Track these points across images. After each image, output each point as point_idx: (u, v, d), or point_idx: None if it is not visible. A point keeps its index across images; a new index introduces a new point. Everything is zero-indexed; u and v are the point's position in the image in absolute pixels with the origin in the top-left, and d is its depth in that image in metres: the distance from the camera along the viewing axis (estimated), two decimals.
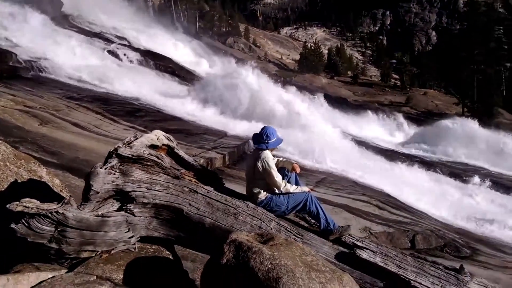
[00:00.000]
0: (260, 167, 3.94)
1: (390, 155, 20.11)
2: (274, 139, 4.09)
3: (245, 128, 14.97)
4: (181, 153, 4.22)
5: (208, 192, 3.82)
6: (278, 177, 3.99)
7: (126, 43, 28.70)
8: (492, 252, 10.27)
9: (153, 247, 3.91)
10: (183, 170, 4.09)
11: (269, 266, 2.52)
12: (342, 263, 3.56)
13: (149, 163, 3.84)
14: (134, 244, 3.74)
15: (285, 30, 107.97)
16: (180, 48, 36.70)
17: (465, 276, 3.43)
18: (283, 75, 51.85)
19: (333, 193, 11.76)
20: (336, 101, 35.39)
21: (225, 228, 3.61)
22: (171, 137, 4.24)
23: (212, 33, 61.27)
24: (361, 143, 21.04)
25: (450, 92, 47.97)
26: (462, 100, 40.83)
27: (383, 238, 9.46)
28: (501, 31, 44.51)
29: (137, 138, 3.96)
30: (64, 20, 27.68)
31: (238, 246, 2.76)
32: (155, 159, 3.86)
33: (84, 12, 32.86)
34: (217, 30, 64.70)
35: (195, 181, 4.01)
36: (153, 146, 4.03)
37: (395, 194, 12.86)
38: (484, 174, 19.03)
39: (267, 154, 4.02)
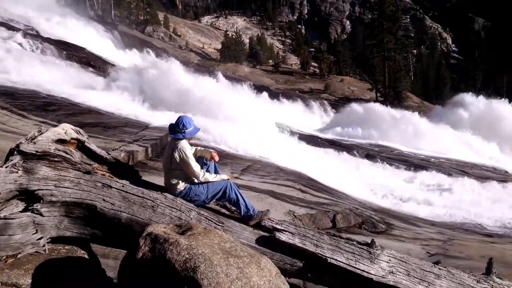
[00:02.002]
0: (178, 157, 3.87)
1: (311, 140, 20.89)
2: (191, 128, 4.04)
3: (168, 119, 14.63)
4: (93, 146, 4.00)
5: (123, 186, 3.67)
6: (196, 166, 3.95)
7: (34, 32, 26.57)
8: (404, 226, 11.08)
9: (66, 247, 3.69)
10: (95, 165, 3.88)
11: (187, 256, 2.49)
12: (262, 246, 3.62)
13: (56, 159, 3.59)
14: (44, 246, 3.49)
15: (206, 19, 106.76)
16: (95, 38, 34.69)
17: (376, 250, 3.66)
18: (205, 64, 51.38)
19: (259, 180, 11.94)
20: (259, 90, 35.88)
21: (143, 222, 3.50)
22: (81, 130, 4.00)
23: (129, 22, 58.66)
24: (284, 129, 21.59)
25: (364, 79, 50.82)
26: (375, 86, 43.41)
27: (306, 220, 9.82)
28: (408, 20, 47.85)
29: (42, 133, 3.69)
30: None
31: (155, 239, 2.69)
32: (63, 154, 3.62)
33: None
34: (134, 18, 61.99)
35: (108, 175, 3.83)
36: (61, 141, 3.78)
37: (317, 177, 13.39)
38: (396, 154, 20.53)
39: (184, 143, 3.96)
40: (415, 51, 70.90)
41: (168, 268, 2.49)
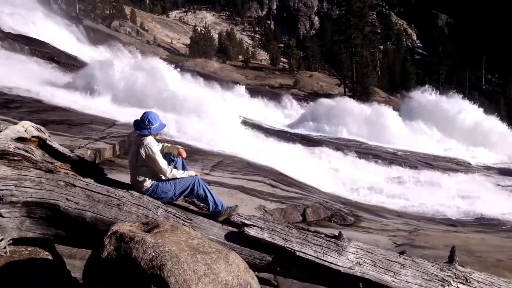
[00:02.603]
0: (144, 154, 3.81)
1: (282, 135, 21.03)
2: (157, 124, 3.98)
3: (136, 115, 14.37)
4: (55, 144, 3.88)
5: (87, 185, 3.57)
6: (163, 163, 3.90)
7: None
8: (372, 218, 11.32)
9: (29, 248, 3.57)
10: (57, 163, 3.77)
11: (153, 254, 2.45)
12: (232, 242, 3.62)
13: (16, 158, 3.46)
14: (5, 247, 3.36)
15: (174, 14, 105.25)
16: (59, 33, 33.64)
17: (344, 242, 3.72)
18: (174, 59, 50.77)
19: (229, 176, 11.92)
20: (229, 85, 35.79)
21: (109, 220, 3.42)
22: (42, 128, 3.87)
23: (95, 16, 57.18)
24: (255, 125, 21.63)
25: (333, 74, 51.51)
26: (343, 81, 44.07)
27: (277, 215, 9.87)
28: (375, 16, 48.81)
29: (0, 131, 3.54)
30: None
31: (120, 237, 2.63)
32: (23, 153, 3.50)
33: None
34: (100, 13, 60.51)
35: (72, 174, 3.72)
36: (21, 139, 3.64)
37: (287, 172, 13.50)
38: (365, 148, 20.95)
39: (150, 140, 3.90)
40: (381, 47, 72.42)
41: (134, 267, 2.45)
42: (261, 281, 4.12)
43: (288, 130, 24.28)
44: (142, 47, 51.27)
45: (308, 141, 20.50)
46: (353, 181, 14.73)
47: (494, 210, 12.63)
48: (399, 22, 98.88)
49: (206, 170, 11.92)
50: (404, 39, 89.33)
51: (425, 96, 31.09)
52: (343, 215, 10.80)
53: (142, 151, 3.82)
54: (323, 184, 13.50)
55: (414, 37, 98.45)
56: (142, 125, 3.95)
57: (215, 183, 10.76)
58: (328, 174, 14.98)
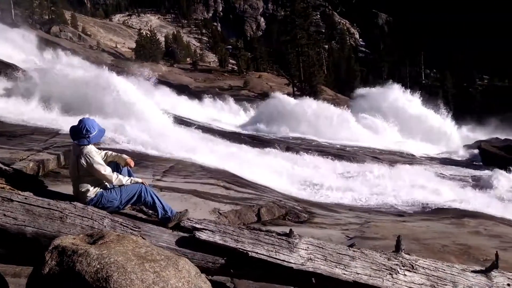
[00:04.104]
0: (85, 163, 3.66)
1: (233, 136, 21.03)
2: (95, 132, 3.82)
3: None
4: None
5: (26, 199, 3.39)
6: (107, 170, 3.76)
7: None
8: (325, 213, 11.54)
9: None
10: None
11: (98, 266, 2.37)
12: (183, 248, 3.57)
13: None
14: None
15: (117, 17, 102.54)
16: None
17: (295, 239, 3.77)
18: (120, 64, 49.40)
19: (182, 180, 11.72)
20: (178, 89, 35.37)
21: (52, 234, 3.26)
22: None
23: (32, 22, 54.44)
24: (206, 128, 21.50)
25: (281, 74, 52.22)
26: (292, 81, 44.79)
27: (231, 216, 9.82)
28: (319, 16, 50.05)
29: None
30: None
31: (62, 251, 2.52)
32: None
33: None
34: (38, 18, 57.72)
35: (9, 188, 3.52)
36: None
37: (240, 173, 13.49)
38: (315, 145, 21.41)
39: (90, 148, 3.75)
40: (326, 46, 74.37)
41: (78, 281, 2.35)
42: (218, 284, 4.10)
43: (240, 131, 24.34)
44: (85, 53, 49.47)
45: (260, 142, 20.64)
46: (305, 178, 14.96)
47: (438, 198, 13.32)
48: (342, 21, 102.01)
49: (158, 176, 11.65)
50: (348, 38, 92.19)
51: (370, 92, 32.33)
52: (297, 213, 10.94)
53: (82, 161, 3.67)
54: (276, 183, 13.61)
55: (357, 36, 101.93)
56: (80, 135, 3.77)
57: (168, 188, 10.55)
58: (281, 173, 15.11)
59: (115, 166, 4.01)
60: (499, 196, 14.67)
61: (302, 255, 3.67)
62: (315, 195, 13.57)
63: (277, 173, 14.76)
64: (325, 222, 10.71)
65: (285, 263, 3.60)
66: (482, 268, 4.12)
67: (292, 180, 14.32)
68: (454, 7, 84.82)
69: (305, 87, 42.85)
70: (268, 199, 11.44)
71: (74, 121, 12.97)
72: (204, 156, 14.38)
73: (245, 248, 3.58)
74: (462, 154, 22.90)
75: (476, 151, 21.68)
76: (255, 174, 13.90)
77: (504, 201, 14.10)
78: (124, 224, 3.53)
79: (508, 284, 4.03)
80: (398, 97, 30.93)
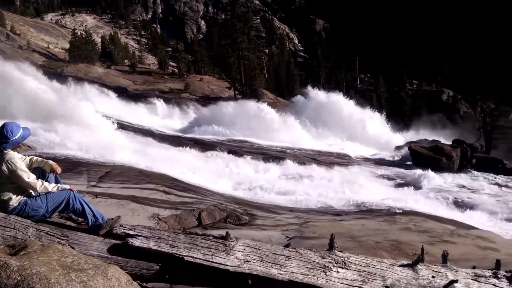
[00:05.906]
0: (6, 170, 3.41)
1: (174, 140, 20.72)
2: (17, 136, 3.57)
3: None
4: None
5: None
6: (30, 177, 3.52)
7: None
8: (266, 215, 11.69)
9: None
10: None
11: (18, 278, 2.22)
12: (115, 255, 3.45)
13: None
14: None
15: (50, 16, 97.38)
16: None
17: (231, 241, 3.77)
18: (52, 65, 46.93)
19: (119, 186, 11.39)
20: (116, 91, 34.21)
21: None
22: None
23: None
24: (145, 131, 20.99)
25: (222, 77, 52.18)
26: (233, 84, 44.93)
27: (171, 221, 9.67)
28: (259, 21, 50.64)
29: None
30: None
31: None
32: None
33: None
34: None
35: None
36: None
37: (180, 177, 13.32)
38: (256, 148, 21.62)
39: (12, 154, 3.50)
40: (267, 50, 75.46)
41: None
42: None
43: (181, 135, 24.04)
44: (13, 53, 46.46)
45: (202, 145, 20.52)
46: (247, 180, 15.08)
47: (372, 197, 13.96)
48: (281, 26, 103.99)
49: (93, 182, 11.22)
50: (287, 43, 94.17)
51: (309, 96, 33.24)
52: (238, 215, 10.99)
53: (4, 167, 3.42)
54: (218, 186, 13.61)
55: (296, 41, 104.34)
56: (1, 139, 3.52)
57: (103, 194, 10.17)
58: (222, 176, 15.12)
59: (41, 173, 3.78)
60: (426, 194, 15.69)
61: (238, 257, 3.68)
62: (256, 197, 13.72)
63: (218, 176, 14.75)
64: (266, 224, 10.85)
65: (221, 266, 3.59)
66: (409, 262, 4.35)
67: (234, 182, 14.39)
68: (391, 13, 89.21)
69: (246, 91, 43.14)
70: (209, 202, 11.38)
71: None
72: (143, 160, 14.04)
73: (180, 253, 3.53)
74: (394, 154, 24.19)
75: (406, 151, 22.94)
76: (197, 178, 13.81)
77: (431, 199, 15.11)
78: (51, 233, 3.34)
79: (433, 276, 4.28)
80: (336, 100, 32.09)
